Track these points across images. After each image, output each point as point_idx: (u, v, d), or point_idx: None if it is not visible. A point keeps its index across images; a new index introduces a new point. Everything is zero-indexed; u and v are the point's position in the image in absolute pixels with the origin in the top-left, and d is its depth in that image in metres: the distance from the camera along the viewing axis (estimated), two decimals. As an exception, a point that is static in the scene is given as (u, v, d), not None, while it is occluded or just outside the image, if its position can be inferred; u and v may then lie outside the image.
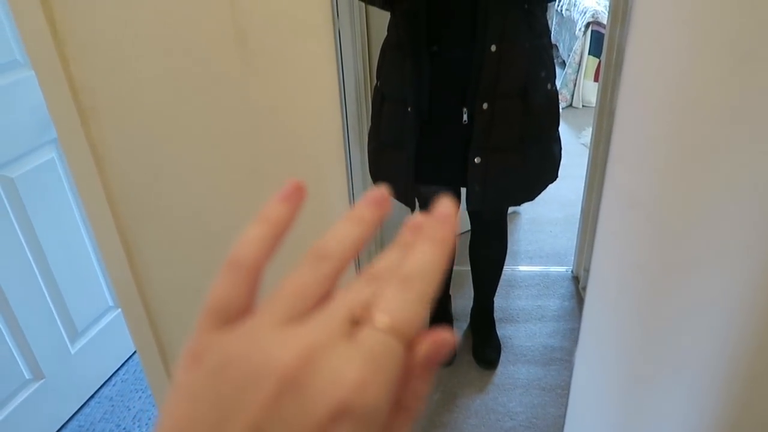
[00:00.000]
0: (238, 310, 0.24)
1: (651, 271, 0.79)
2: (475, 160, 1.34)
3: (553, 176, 1.48)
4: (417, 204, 1.59)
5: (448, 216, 0.26)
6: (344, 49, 1.68)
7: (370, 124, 1.55)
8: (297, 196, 0.27)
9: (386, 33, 1.39)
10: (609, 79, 1.87)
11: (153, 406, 1.07)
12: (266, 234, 0.26)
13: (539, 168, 1.44)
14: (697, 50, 0.66)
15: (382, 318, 0.22)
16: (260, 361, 0.21)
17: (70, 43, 0.75)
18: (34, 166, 1.53)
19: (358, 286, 0.24)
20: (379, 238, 2.26)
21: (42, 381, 1.62)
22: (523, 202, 1.50)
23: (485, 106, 1.28)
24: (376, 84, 1.45)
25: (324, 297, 0.24)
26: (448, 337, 0.24)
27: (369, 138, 1.54)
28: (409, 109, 1.32)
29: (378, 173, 1.50)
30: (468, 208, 1.67)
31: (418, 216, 0.27)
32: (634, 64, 0.67)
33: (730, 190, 0.72)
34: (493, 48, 1.25)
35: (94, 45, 0.75)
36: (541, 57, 1.35)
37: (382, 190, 0.27)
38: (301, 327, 0.22)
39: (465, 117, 1.32)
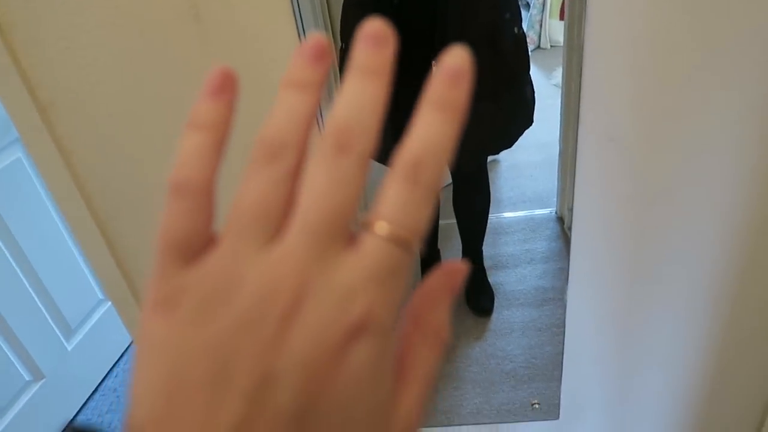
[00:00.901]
0: (198, 242, 0.20)
1: (633, 202, 0.80)
2: None
3: (528, 121, 1.48)
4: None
5: (459, 72, 0.21)
6: (304, 16, 1.63)
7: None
8: (229, 86, 0.22)
9: (344, -9, 1.36)
10: (575, 16, 1.84)
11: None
12: (204, 142, 0.21)
13: (514, 114, 1.43)
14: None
15: (382, 226, 0.19)
16: (253, 294, 0.18)
17: (16, 37, 0.72)
18: (1, 167, 1.49)
19: None
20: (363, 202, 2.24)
21: (43, 381, 1.62)
22: (501, 150, 1.50)
23: None
24: (341, 47, 1.42)
25: (291, 198, 0.20)
26: (461, 266, 0.22)
27: None
28: None
29: None
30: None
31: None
32: (599, -2, 0.66)
33: (703, 116, 0.72)
34: None
35: (42, 36, 0.72)
36: None
37: (318, 37, 0.22)
38: (283, 246, 0.19)
39: (435, 70, 1.30)
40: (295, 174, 0.20)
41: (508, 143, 1.46)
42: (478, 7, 1.24)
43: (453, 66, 0.22)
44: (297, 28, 0.70)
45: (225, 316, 0.18)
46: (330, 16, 1.84)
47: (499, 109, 1.34)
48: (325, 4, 1.84)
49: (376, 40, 0.22)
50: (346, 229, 0.19)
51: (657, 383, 1.01)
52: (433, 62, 1.13)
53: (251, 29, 0.70)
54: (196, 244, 0.20)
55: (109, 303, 1.86)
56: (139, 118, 0.77)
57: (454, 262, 0.22)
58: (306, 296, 0.18)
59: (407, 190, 0.20)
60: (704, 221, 0.79)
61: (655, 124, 0.74)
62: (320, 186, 0.19)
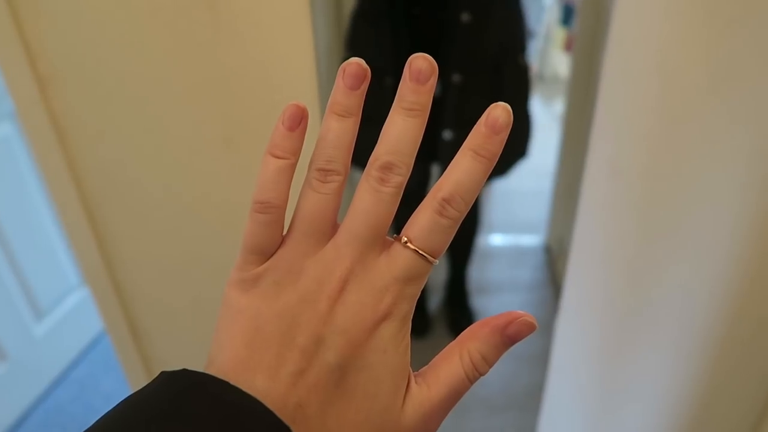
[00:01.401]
0: (273, 247, 0.26)
1: (632, 238, 0.79)
2: (445, 136, 1.31)
3: (524, 151, 1.48)
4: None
5: (502, 126, 0.25)
6: (317, 9, 1.63)
7: None
8: (304, 121, 0.27)
9: (356, 2, 1.35)
10: (584, 49, 1.86)
11: (125, 385, 1.04)
12: (282, 167, 0.26)
13: (511, 144, 1.43)
14: (681, 19, 0.64)
15: (411, 242, 0.25)
16: (312, 279, 0.25)
17: (22, 6, 0.70)
18: (-12, 140, 1.45)
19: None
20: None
21: (5, 363, 1.56)
22: (494, 178, 1.49)
23: (456, 78, 1.26)
24: (347, 54, 1.40)
25: (338, 208, 0.26)
26: (532, 320, 0.26)
27: None
28: (387, 81, 1.29)
29: (355, 150, 1.47)
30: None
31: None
32: (620, 34, 0.66)
33: (711, 159, 0.71)
34: (465, 17, 1.22)
35: (49, 8, 0.70)
36: (514, 27, 1.33)
37: (357, 63, 0.26)
38: (335, 246, 0.25)
39: (438, 91, 1.29)
40: (341, 190, 0.26)
41: (502, 172, 1.46)
42: (488, 31, 1.24)
43: (497, 120, 0.26)
44: (312, 22, 0.69)
45: (291, 293, 0.25)
46: (343, 14, 1.83)
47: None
48: (340, 2, 1.82)
49: (420, 78, 0.26)
50: (383, 238, 0.26)
51: (639, 423, 1.00)
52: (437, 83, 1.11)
53: (266, 20, 0.69)
54: (271, 248, 0.26)
55: (82, 291, 1.82)
56: (141, 102, 0.75)
57: (530, 317, 0.26)
58: (349, 284, 0.25)
59: (435, 220, 0.25)
60: (701, 265, 0.79)
61: (661, 162, 0.73)
62: (366, 205, 0.25)
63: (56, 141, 0.77)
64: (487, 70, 1.28)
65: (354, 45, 1.37)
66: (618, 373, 0.93)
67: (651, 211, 0.76)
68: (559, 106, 3.24)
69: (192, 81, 0.73)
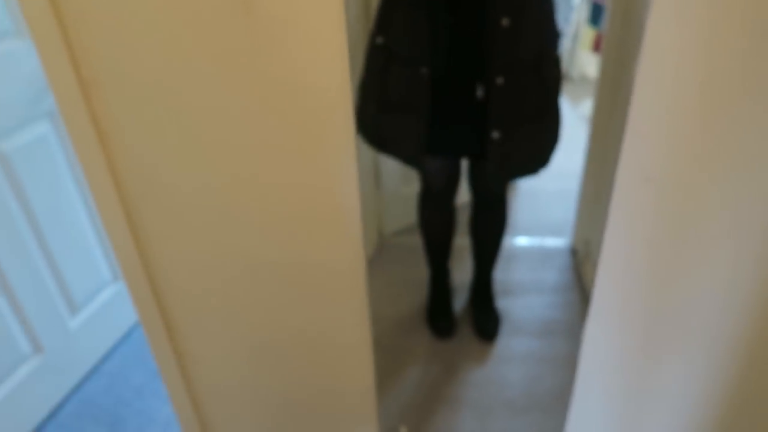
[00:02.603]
0: None
1: (662, 244, 0.79)
2: (493, 135, 1.33)
3: (558, 138, 1.49)
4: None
5: None
6: (352, 15, 1.64)
7: (362, 81, 1.48)
8: None
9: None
10: (612, 50, 1.84)
11: (156, 378, 1.07)
12: None
13: (552, 134, 1.45)
14: (719, 24, 0.64)
15: None
16: None
17: (68, 12, 0.72)
18: (27, 139, 1.50)
19: None
20: (375, 176, 2.25)
21: (41, 355, 1.61)
22: (539, 170, 1.51)
23: (500, 81, 1.27)
24: (378, 39, 1.39)
25: None
26: None
27: (365, 99, 1.48)
28: (423, 71, 1.30)
29: (382, 137, 1.47)
30: (472, 183, 1.66)
31: None
32: (655, 38, 0.65)
33: (746, 164, 0.71)
34: (505, 22, 1.23)
35: (94, 13, 0.72)
36: (549, 25, 1.34)
37: None
38: None
39: (480, 92, 1.31)
40: None
41: (546, 163, 1.48)
42: (527, 34, 1.26)
43: None
44: (344, 27, 0.70)
45: None
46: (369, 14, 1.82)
47: (541, 130, 1.36)
48: (375, 8, 1.83)
49: None
50: None
51: (668, 429, 0.99)
52: (478, 83, 1.13)
53: (302, 26, 0.70)
54: None
55: (115, 286, 1.86)
56: (180, 106, 0.77)
57: None
58: None
59: None
60: (733, 270, 0.78)
61: (694, 169, 0.73)
62: None
63: (97, 141, 0.80)
64: (528, 70, 1.30)
65: (387, 30, 1.36)
66: (647, 379, 0.93)
67: (684, 217, 0.76)
68: (586, 107, 3.21)
69: (229, 84, 0.75)
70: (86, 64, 0.75)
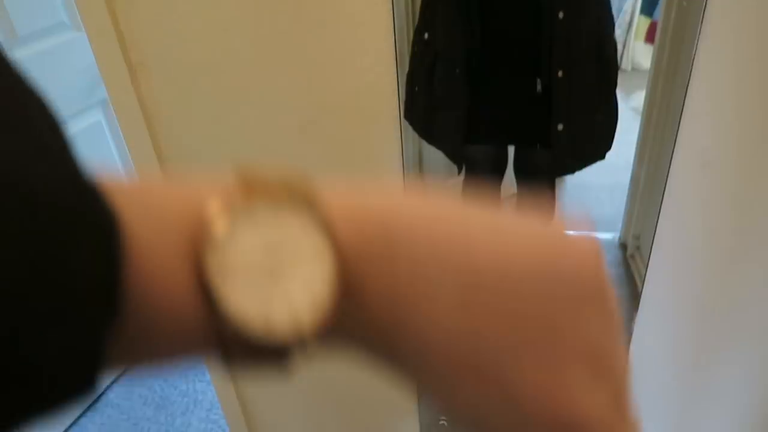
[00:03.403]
0: None
1: (721, 233, 0.75)
2: (558, 127, 1.34)
3: (617, 124, 1.48)
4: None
5: None
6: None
7: (410, 75, 1.50)
8: None
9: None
10: (666, 40, 1.77)
11: (201, 363, 1.08)
12: None
13: (613, 120, 1.45)
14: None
15: None
16: None
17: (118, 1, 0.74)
18: (82, 126, 1.55)
19: None
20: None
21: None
22: (604, 155, 1.49)
23: (561, 73, 1.28)
24: (424, 36, 1.41)
25: None
26: None
27: (414, 93, 1.50)
28: (457, 71, 1.31)
29: (429, 129, 1.50)
30: (521, 174, 1.63)
31: None
32: (716, 22, 0.62)
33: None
34: (561, 15, 1.23)
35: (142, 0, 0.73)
36: (604, 12, 1.33)
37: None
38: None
39: (539, 87, 1.32)
40: None
41: (609, 147, 1.48)
42: (582, 27, 1.26)
43: None
44: (392, 11, 0.69)
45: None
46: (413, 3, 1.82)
47: (603, 116, 1.37)
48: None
49: None
50: None
51: (723, 427, 0.95)
52: (538, 79, 1.09)
53: (348, 8, 0.69)
54: None
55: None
56: (224, 89, 0.78)
57: None
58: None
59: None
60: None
61: (755, 152, 0.69)
62: None
63: (144, 125, 0.81)
64: (588, 59, 1.30)
65: (430, 27, 1.38)
66: (701, 375, 0.88)
67: (745, 205, 0.72)
68: (638, 99, 3.09)
69: (273, 70, 0.75)
70: (135, 48, 0.77)
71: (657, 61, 1.87)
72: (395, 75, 0.74)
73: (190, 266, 0.16)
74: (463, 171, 1.72)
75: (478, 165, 1.62)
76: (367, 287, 0.18)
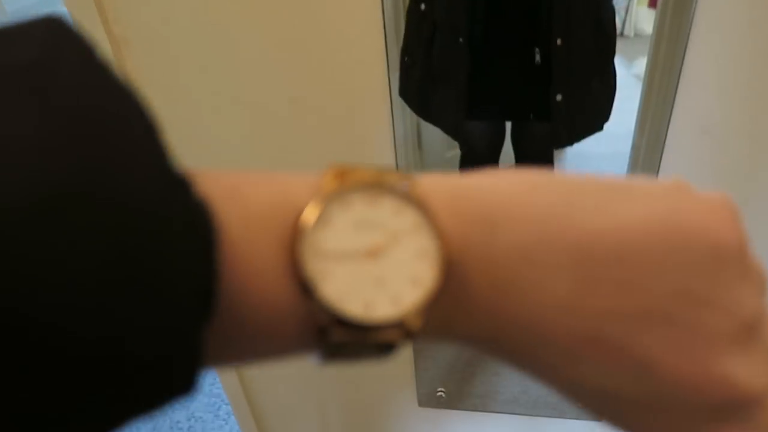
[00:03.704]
0: None
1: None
2: (557, 98, 1.32)
3: (615, 92, 1.46)
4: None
5: None
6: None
7: (405, 48, 1.48)
8: None
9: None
10: (668, 5, 1.73)
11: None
12: None
13: (611, 89, 1.42)
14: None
15: None
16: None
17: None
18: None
19: None
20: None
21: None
22: (602, 126, 1.48)
23: (560, 41, 1.25)
24: (420, 7, 1.38)
25: None
26: None
27: (409, 67, 1.47)
28: (460, 40, 1.28)
29: (425, 105, 1.47)
30: (519, 147, 1.61)
31: None
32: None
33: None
34: None
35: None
36: None
37: None
38: None
39: (538, 57, 1.29)
40: None
41: (608, 117, 1.46)
42: None
43: None
44: (382, 6, 0.67)
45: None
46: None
47: (603, 85, 1.35)
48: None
49: None
50: None
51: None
52: (537, 49, 1.06)
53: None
54: None
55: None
56: (211, 64, 0.76)
57: None
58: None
59: None
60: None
61: (756, 118, 0.67)
62: None
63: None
64: (587, 27, 1.28)
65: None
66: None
67: (743, 171, 0.70)
68: (640, 66, 3.05)
69: (259, 43, 0.73)
70: (118, 21, 0.75)
71: (659, 26, 1.83)
72: (383, 45, 0.72)
73: (284, 255, 0.16)
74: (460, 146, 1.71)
75: (476, 140, 1.60)
76: (469, 273, 0.17)
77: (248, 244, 0.15)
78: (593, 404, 0.19)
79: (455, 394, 1.35)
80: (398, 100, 1.64)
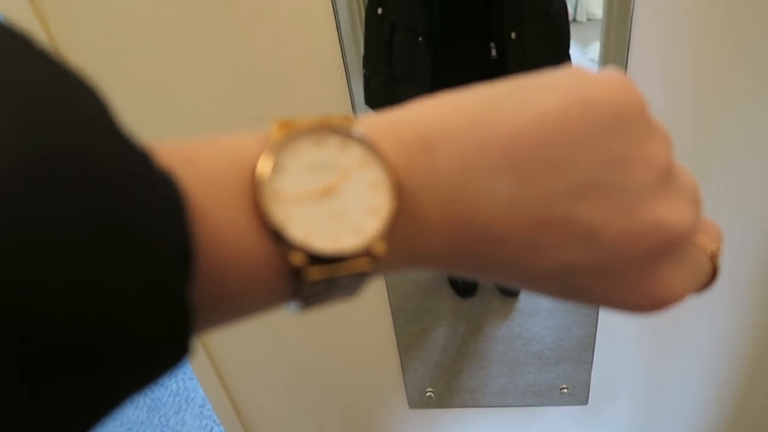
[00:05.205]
0: None
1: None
2: None
3: None
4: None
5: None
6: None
7: (365, 54, 1.49)
8: None
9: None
10: (615, -13, 1.77)
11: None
12: None
13: None
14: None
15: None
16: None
17: (46, 4, 0.71)
18: None
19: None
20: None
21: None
22: None
23: (513, 35, 1.26)
24: (377, 12, 1.38)
25: None
26: None
27: (370, 71, 1.48)
28: (420, 39, 1.29)
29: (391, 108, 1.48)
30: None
31: None
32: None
33: (752, 94, 0.68)
34: None
35: (72, 4, 0.71)
36: None
37: None
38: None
39: (494, 52, 1.30)
40: None
41: None
42: None
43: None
44: (333, 4, 0.68)
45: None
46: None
47: None
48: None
49: None
50: None
51: (693, 370, 0.98)
52: (492, 44, 1.09)
53: (283, 3, 0.68)
54: None
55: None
56: (167, 89, 0.76)
57: None
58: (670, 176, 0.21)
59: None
60: (748, 209, 0.75)
61: (701, 104, 0.70)
62: None
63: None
64: (539, 17, 1.29)
65: (384, 1, 1.36)
66: (669, 320, 0.91)
67: (691, 158, 0.73)
68: (594, 50, 3.11)
69: (211, 64, 0.73)
70: (70, 53, 0.74)
71: (608, 10, 1.87)
72: (340, 55, 0.73)
73: (249, 209, 0.17)
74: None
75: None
76: (419, 194, 0.19)
77: (214, 205, 0.16)
78: (558, 288, 0.21)
79: (444, 393, 1.36)
80: (362, 109, 1.66)
